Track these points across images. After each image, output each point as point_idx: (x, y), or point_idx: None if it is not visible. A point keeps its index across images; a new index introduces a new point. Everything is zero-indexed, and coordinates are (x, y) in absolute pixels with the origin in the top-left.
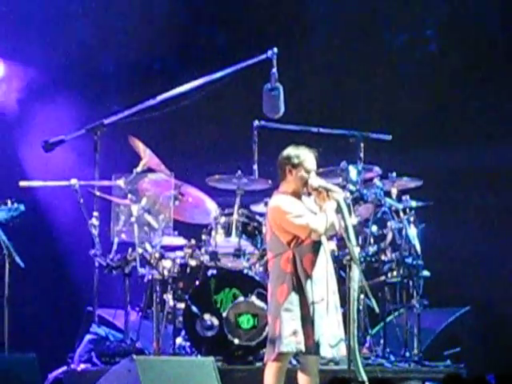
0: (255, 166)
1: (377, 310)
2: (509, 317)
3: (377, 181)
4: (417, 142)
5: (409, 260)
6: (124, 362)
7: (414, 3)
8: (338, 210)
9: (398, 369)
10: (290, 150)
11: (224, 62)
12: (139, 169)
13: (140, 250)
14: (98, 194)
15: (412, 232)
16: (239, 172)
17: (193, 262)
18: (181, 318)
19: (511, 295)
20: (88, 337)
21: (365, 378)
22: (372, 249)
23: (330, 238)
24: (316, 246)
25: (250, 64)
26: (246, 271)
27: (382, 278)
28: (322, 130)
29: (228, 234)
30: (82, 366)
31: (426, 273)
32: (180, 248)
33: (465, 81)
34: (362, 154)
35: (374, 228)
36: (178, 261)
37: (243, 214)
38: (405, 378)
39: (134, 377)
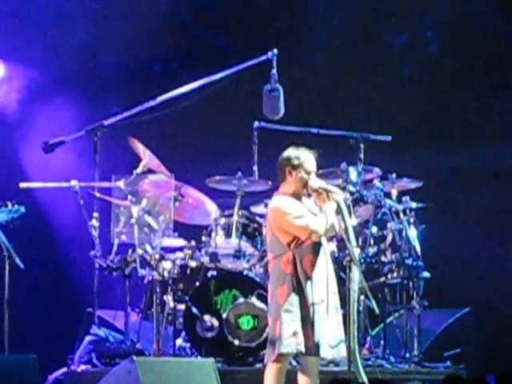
0: (255, 167)
1: (377, 311)
2: (509, 318)
3: (377, 182)
4: (417, 143)
5: (409, 261)
6: (124, 363)
7: (414, 3)
8: (338, 211)
9: (398, 370)
10: (290, 152)
11: (224, 63)
12: (139, 170)
13: (140, 251)
14: (98, 195)
15: (412, 233)
16: (239, 173)
17: (193, 264)
18: (181, 319)
19: (511, 296)
20: (88, 338)
21: (365, 379)
22: (372, 250)
23: (330, 239)
24: (316, 247)
25: (250, 65)
26: (246, 272)
27: (382, 279)
28: (321, 131)
29: (228, 235)
30: (82, 367)
31: (426, 274)
32: (180, 249)
33: (465, 81)
34: (361, 155)
35: (374, 229)
36: (178, 262)
37: (243, 215)
38: (405, 379)
39: (135, 378)
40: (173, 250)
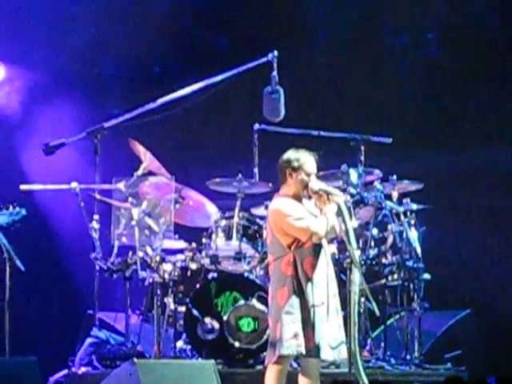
0: (256, 169)
1: (377, 312)
2: (510, 319)
3: (377, 184)
4: (417, 145)
5: (409, 263)
6: (125, 366)
7: (414, 4)
8: (339, 213)
9: (398, 372)
10: (291, 154)
11: (224, 65)
12: (140, 172)
13: (141, 254)
14: (98, 197)
15: (413, 235)
16: (240, 175)
17: (193, 266)
18: (181, 322)
19: None
20: (89, 340)
21: (366, 381)
22: (373, 252)
23: (330, 241)
24: (316, 248)
25: (251, 67)
26: (246, 274)
27: (383, 280)
28: (322, 133)
29: (228, 237)
30: (83, 369)
31: (426, 276)
32: (181, 251)
33: (465, 81)
34: (362, 157)
35: (375, 231)
36: (179, 264)
37: (244, 217)
38: (405, 381)
39: (135, 380)
40: (173, 252)
